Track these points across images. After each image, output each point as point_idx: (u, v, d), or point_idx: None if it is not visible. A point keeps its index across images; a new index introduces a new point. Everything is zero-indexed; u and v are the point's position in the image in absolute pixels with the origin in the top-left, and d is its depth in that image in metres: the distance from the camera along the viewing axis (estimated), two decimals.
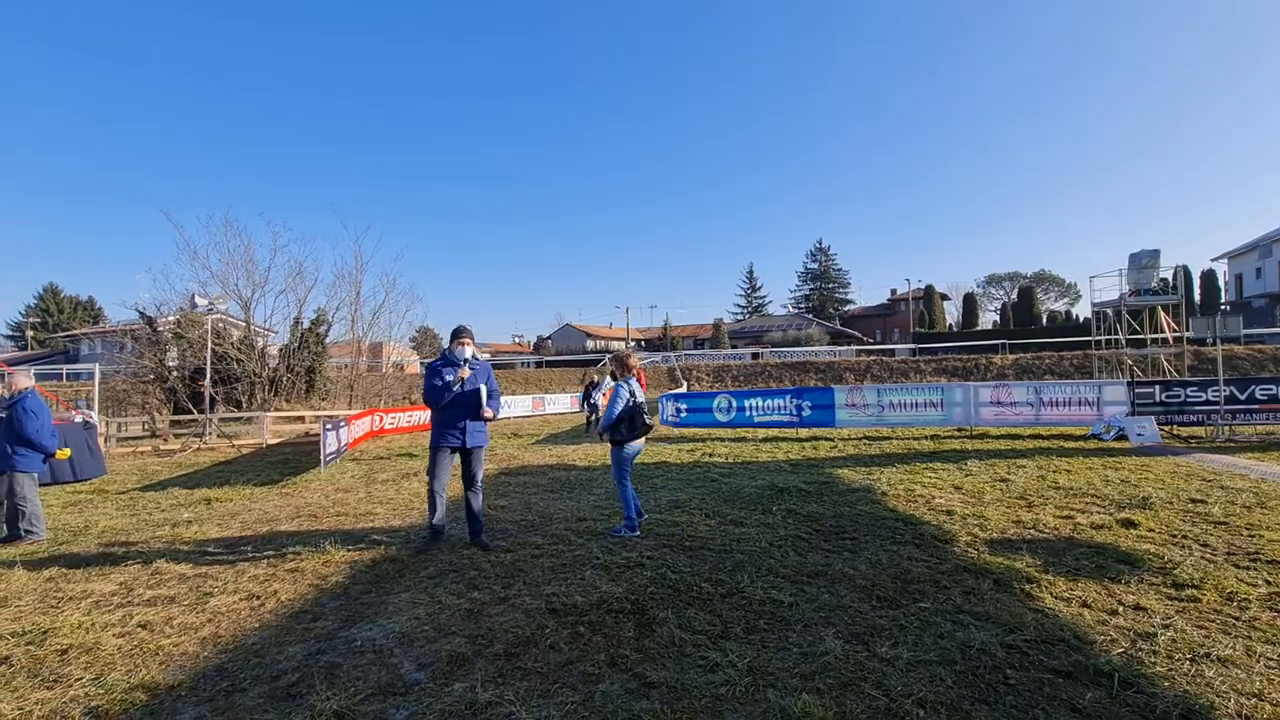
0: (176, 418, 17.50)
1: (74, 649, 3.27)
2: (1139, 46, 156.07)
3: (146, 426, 17.19)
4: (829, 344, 52.36)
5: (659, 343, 61.82)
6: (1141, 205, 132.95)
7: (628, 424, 5.45)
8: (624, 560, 4.64)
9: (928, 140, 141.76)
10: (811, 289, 77.56)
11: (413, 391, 35.18)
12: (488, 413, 5.20)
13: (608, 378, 19.49)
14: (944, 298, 65.33)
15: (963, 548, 4.85)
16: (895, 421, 13.07)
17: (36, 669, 3.07)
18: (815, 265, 77.75)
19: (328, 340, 22.74)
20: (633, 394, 5.51)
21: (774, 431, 13.56)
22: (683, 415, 15.01)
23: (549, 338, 72.80)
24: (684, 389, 31.13)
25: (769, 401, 13.87)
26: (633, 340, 64.98)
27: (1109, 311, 19.16)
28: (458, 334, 5.36)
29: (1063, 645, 3.10)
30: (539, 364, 51.52)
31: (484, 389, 5.20)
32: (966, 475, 7.95)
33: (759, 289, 79.92)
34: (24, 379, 5.98)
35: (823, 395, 13.59)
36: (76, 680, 2.93)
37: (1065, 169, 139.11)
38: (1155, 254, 17.68)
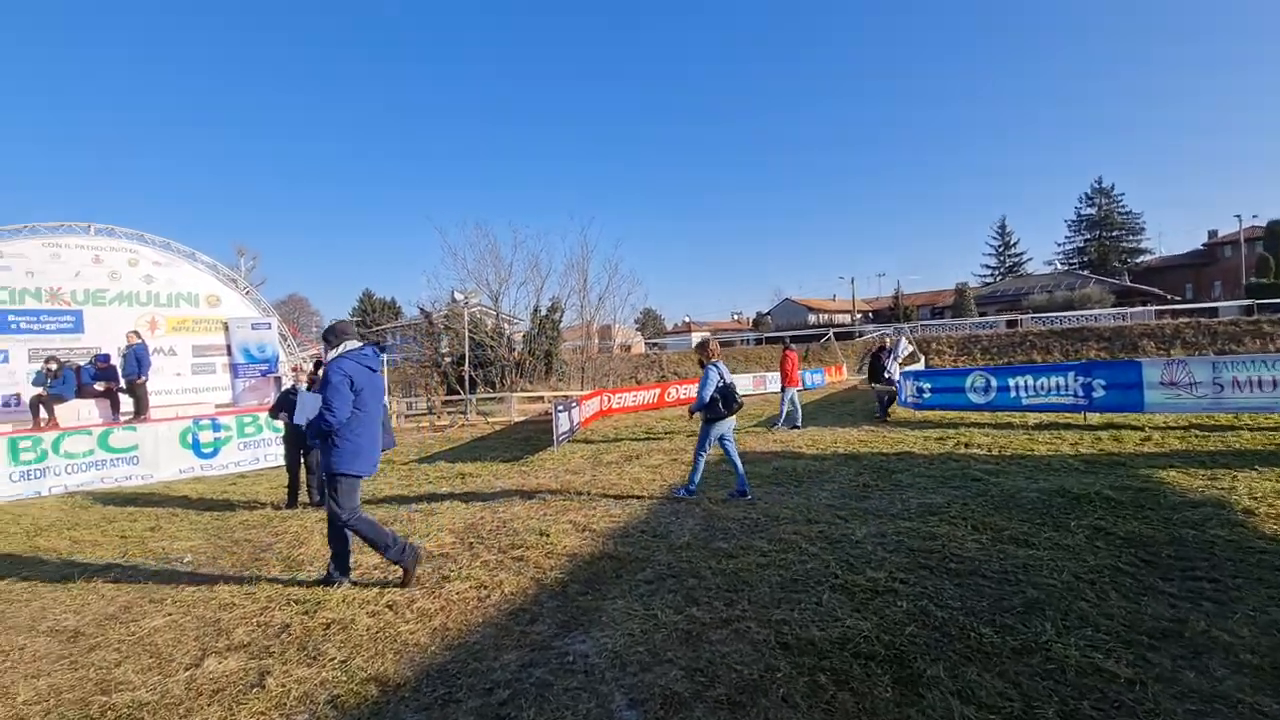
0: (447, 398, 20.50)
1: (334, 625, 3.55)
2: None
3: (427, 405, 20.43)
4: (1114, 305, 42.65)
5: (889, 313, 56.45)
6: None
7: (722, 402, 6.03)
8: (870, 582, 3.80)
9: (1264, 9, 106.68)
10: (1087, 240, 63.72)
11: (638, 371, 37.03)
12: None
13: (903, 341, 18.04)
14: None
15: None
16: (1241, 405, 9.62)
17: (304, 641, 3.36)
18: (1092, 211, 63.60)
19: (561, 325, 24.77)
20: (722, 375, 6.07)
21: (1049, 416, 11.05)
22: (926, 396, 13.07)
23: (768, 314, 70.97)
24: (919, 365, 27.75)
25: (1043, 379, 11.28)
26: (859, 312, 60.42)
27: None
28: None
29: None
30: (759, 340, 50.38)
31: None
32: None
33: (1013, 245, 67.40)
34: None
35: (1124, 371, 10.60)
36: (330, 660, 3.11)
37: None
38: None
